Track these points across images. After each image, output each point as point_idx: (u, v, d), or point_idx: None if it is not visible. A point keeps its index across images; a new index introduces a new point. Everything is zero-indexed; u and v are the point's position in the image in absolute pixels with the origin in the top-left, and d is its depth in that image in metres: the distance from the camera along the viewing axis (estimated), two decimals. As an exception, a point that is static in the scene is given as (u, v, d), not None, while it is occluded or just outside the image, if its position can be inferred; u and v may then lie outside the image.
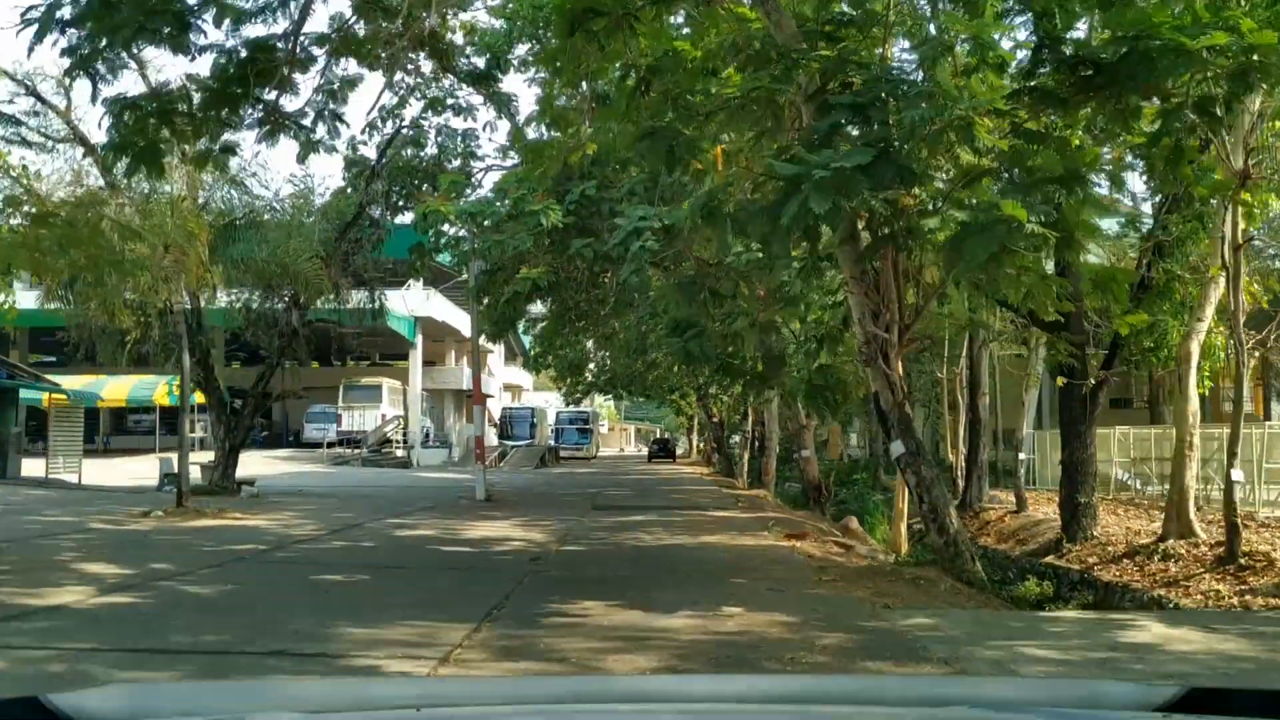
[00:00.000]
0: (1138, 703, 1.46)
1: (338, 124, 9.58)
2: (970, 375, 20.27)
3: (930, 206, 8.32)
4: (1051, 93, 8.47)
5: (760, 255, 10.38)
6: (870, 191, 7.14)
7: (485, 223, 17.15)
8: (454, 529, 12.76)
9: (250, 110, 8.82)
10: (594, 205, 16.62)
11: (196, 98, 8.23)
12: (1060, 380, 13.12)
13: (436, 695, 1.60)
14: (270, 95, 8.73)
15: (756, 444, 28.16)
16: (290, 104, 9.52)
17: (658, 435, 70.35)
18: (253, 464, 29.47)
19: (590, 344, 37.26)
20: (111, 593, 6.97)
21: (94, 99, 8.07)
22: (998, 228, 6.95)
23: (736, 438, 48.93)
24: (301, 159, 9.44)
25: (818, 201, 6.97)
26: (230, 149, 8.81)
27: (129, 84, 13.33)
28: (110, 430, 46.51)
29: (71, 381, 32.76)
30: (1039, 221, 7.28)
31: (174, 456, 23.69)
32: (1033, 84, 8.03)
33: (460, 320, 41.38)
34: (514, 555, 10.20)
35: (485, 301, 21.01)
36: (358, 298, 18.98)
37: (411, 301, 40.84)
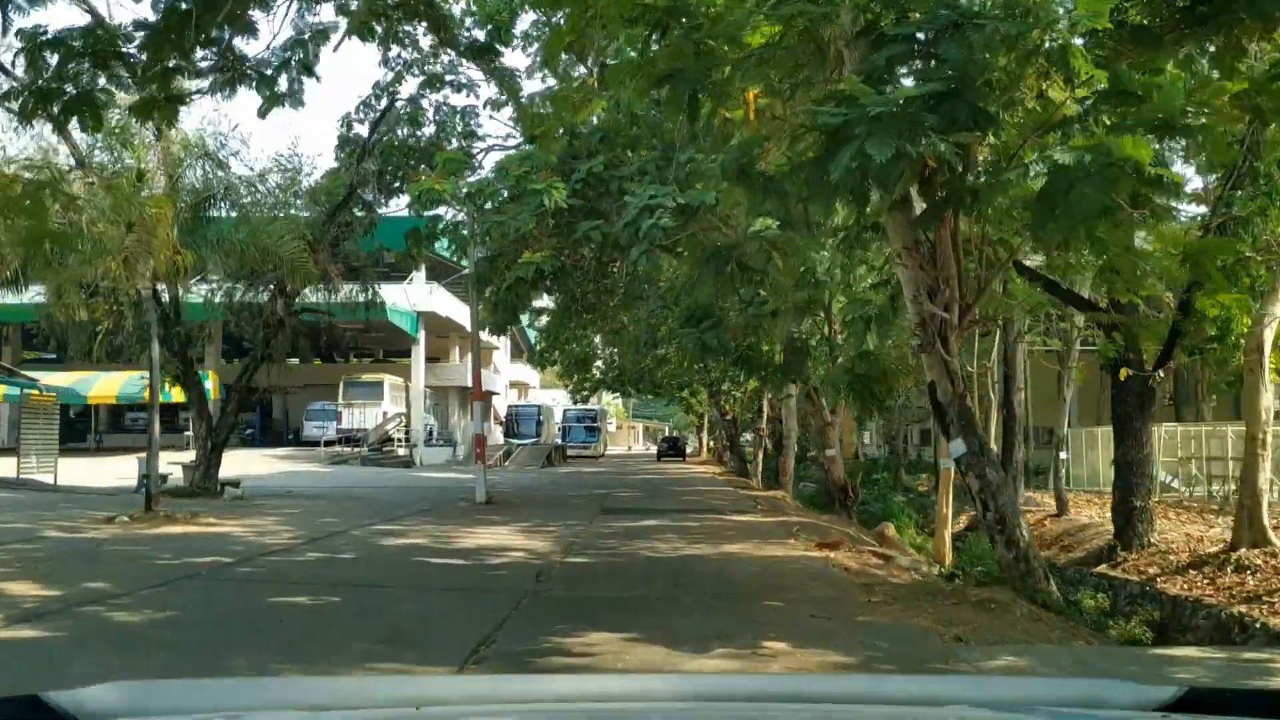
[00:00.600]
0: (1138, 702, 1.47)
1: (305, 76, 8.32)
2: (1004, 368, 18.93)
3: (1001, 162, 7.05)
4: (1145, 29, 7.19)
5: (783, 226, 9.13)
6: (940, 135, 5.86)
7: (486, 205, 15.91)
8: (448, 536, 11.51)
9: (204, 55, 7.57)
10: (602, 184, 15.35)
11: (139, 37, 6.99)
12: (1124, 372, 11.81)
13: (437, 694, 1.60)
14: (226, 37, 7.47)
15: (772, 442, 26.84)
16: (252, 50, 8.24)
17: (667, 433, 69.07)
18: (247, 462, 28.33)
19: (598, 339, 36.07)
20: (18, 623, 5.74)
21: (3, 30, 6.83)
22: (1112, 172, 5.67)
23: (747, 436, 47.64)
24: (263, 113, 8.24)
25: (878, 147, 5.70)
26: (179, 98, 7.59)
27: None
28: (107, 428, 45.48)
29: (61, 378, 31.73)
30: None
31: (162, 455, 22.54)
32: (1122, 19, 6.77)
33: (464, 315, 40.08)
34: (512, 569, 8.95)
35: (487, 292, 19.85)
36: (350, 288, 17.69)
37: (414, 296, 39.69)
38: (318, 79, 8.26)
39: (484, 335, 48.22)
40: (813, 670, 5.03)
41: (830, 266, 10.46)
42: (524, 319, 38.80)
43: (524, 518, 14.30)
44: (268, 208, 15.77)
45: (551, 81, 17.66)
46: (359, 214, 16.83)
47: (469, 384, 46.75)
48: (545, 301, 28.34)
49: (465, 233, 17.07)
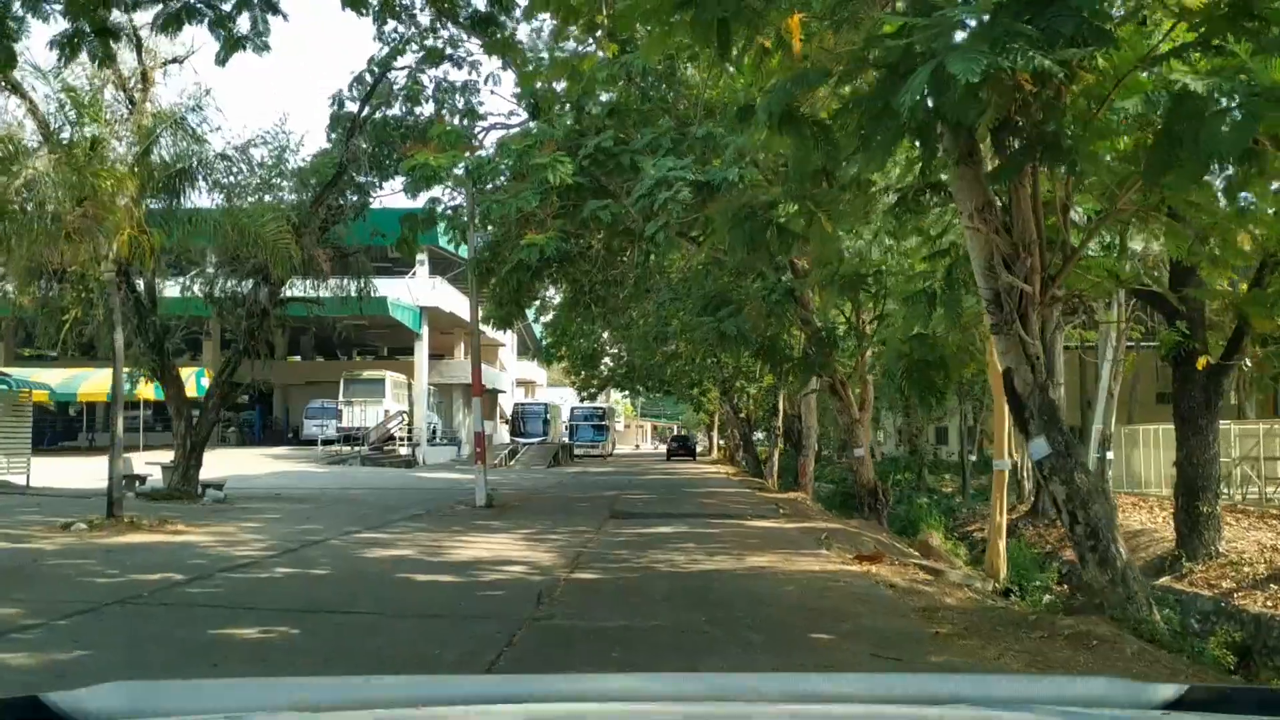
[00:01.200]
0: (1139, 701, 1.47)
1: (269, 14, 7.10)
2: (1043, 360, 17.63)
3: (1091, 106, 5.79)
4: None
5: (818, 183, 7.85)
6: (1041, 53, 4.61)
7: (487, 185, 14.70)
8: (440, 547, 10.30)
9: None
10: (612, 160, 14.11)
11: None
12: (1203, 361, 10.52)
13: (437, 694, 1.61)
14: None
15: (790, 441, 25.56)
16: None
17: (676, 432, 67.82)
18: (240, 462, 27.21)
19: (606, 335, 34.81)
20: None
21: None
22: (1258, 103, 4.42)
23: (759, 435, 46.34)
24: (222, 60, 7.09)
25: (964, 63, 4.45)
26: (111, 32, 6.39)
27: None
28: (104, 426, 44.48)
29: (53, 376, 30.67)
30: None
31: (145, 455, 21.44)
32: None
33: (468, 310, 39.02)
34: (510, 588, 7.73)
35: (491, 282, 18.69)
36: (342, 280, 16.46)
37: (417, 291, 38.55)
38: (284, 17, 7.08)
39: (489, 331, 47.09)
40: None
41: (878, 234, 9.21)
42: (530, 313, 37.72)
43: (527, 523, 13.09)
44: (251, 189, 14.56)
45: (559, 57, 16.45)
46: (351, 197, 15.61)
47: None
48: (552, 294, 27.10)
49: (464, 217, 15.89)
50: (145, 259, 10.96)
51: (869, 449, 15.25)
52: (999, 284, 6.32)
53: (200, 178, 12.81)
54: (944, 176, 6.79)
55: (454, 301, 39.25)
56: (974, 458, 25.52)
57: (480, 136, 17.20)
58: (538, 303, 23.38)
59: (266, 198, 14.44)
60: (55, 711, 1.26)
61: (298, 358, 49.14)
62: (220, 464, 26.66)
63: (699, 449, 55.74)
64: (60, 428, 41.39)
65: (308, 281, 16.30)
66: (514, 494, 19.01)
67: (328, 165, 15.43)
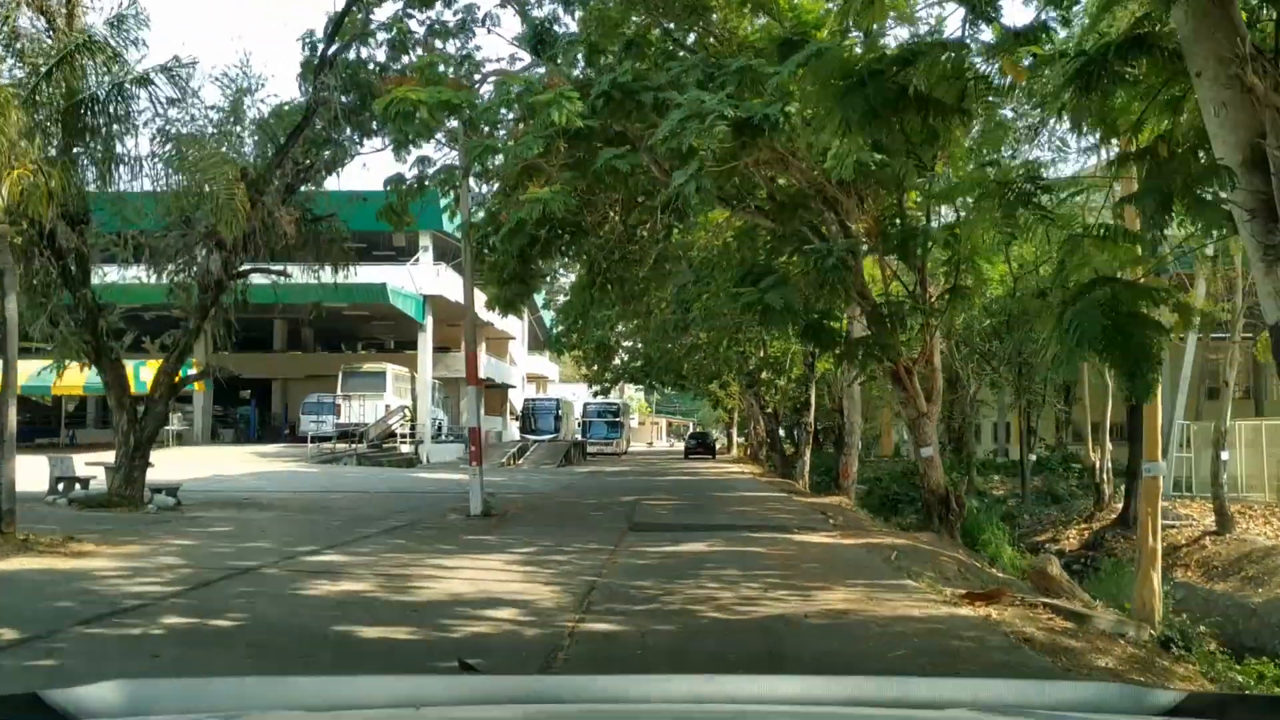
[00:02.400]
0: (1140, 707, 1.43)
1: None
2: None
3: None
4: None
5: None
6: None
7: (483, 129, 12.27)
8: (410, 576, 7.90)
9: None
10: (631, 99, 11.64)
11: None
12: None
13: (436, 694, 1.61)
14: None
15: (831, 438, 23.03)
16: None
17: (693, 429, 65.32)
18: (222, 461, 24.98)
19: (621, 327, 32.34)
20: None
21: None
22: None
23: (780, 432, 43.75)
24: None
25: None
26: None
27: None
28: (94, 422, 42.39)
29: (26, 367, 28.55)
30: None
31: (89, 456, 19.08)
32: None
33: (477, 299, 36.63)
34: (492, 650, 5.31)
35: (490, 254, 16.33)
36: (316, 250, 14.03)
37: (420, 278, 36.23)
38: None
39: (497, 322, 44.82)
40: None
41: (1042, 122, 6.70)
42: (539, 299, 35.29)
43: (528, 539, 10.68)
44: (206, 140, 12.16)
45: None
46: (323, 153, 13.21)
47: (482, 375, 43.35)
48: (563, 274, 24.72)
49: (458, 172, 13.49)
50: (41, 205, 8.57)
51: (936, 449, 12.79)
52: (1275, 180, 3.84)
53: (132, 119, 10.44)
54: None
55: (460, 290, 36.92)
56: (1033, 456, 22.88)
57: (477, 85, 14.79)
58: (547, 285, 20.85)
59: (223, 148, 12.04)
60: (54, 708, 1.26)
61: (298, 351, 47.07)
62: (200, 463, 24.47)
63: (717, 447, 53.12)
64: (37, 422, 39.48)
65: (276, 254, 13.90)
66: (518, 498, 16.60)
67: (295, 113, 13.03)
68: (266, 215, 12.30)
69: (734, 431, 53.97)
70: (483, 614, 6.32)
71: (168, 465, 22.76)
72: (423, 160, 14.64)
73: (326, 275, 14.49)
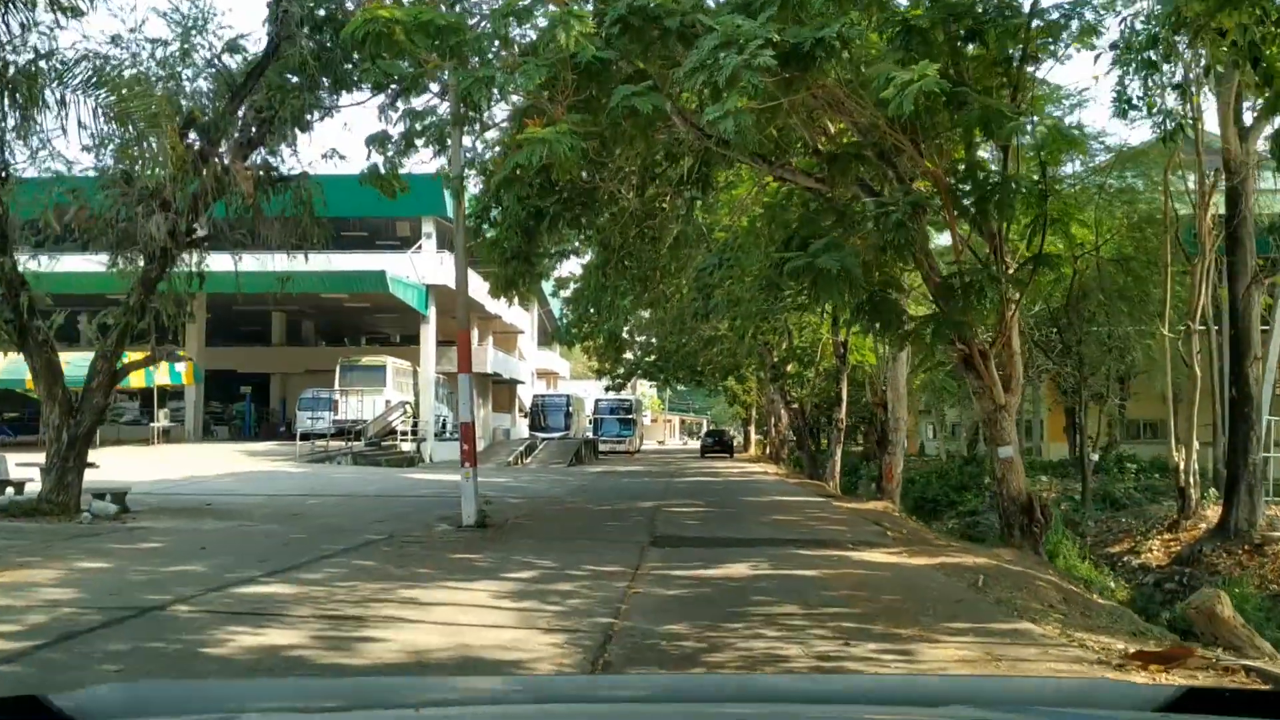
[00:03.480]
0: (1136, 702, 1.41)
1: None
2: (1233, 328, 12.98)
3: None
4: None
5: None
6: None
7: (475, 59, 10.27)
8: (366, 617, 5.90)
9: None
10: (653, 24, 9.59)
11: None
12: None
13: (437, 695, 1.62)
14: None
15: (873, 436, 20.92)
16: None
17: (707, 427, 63.28)
18: (203, 460, 23.12)
19: (632, 320, 30.23)
20: None
21: None
22: None
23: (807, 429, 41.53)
24: None
25: None
26: None
27: None
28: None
29: None
30: None
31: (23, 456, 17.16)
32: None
33: (483, 291, 34.57)
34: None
35: (489, 220, 14.44)
36: (283, 217, 11.99)
37: (422, 267, 34.30)
38: None
39: (505, 314, 42.85)
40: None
41: None
42: (547, 287, 33.27)
43: (528, 558, 8.67)
44: (151, 81, 10.16)
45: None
46: (291, 101, 11.20)
47: (490, 370, 41.38)
48: (572, 255, 22.68)
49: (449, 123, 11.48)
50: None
51: (1017, 450, 10.72)
52: None
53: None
54: None
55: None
56: (1095, 456, 20.69)
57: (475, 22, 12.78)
58: (554, 266, 18.81)
59: (164, 86, 10.06)
60: (54, 711, 1.27)
61: (298, 345, 45.20)
62: (179, 463, 22.60)
63: (734, 445, 50.95)
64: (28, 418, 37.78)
65: (237, 226, 11.92)
66: (521, 504, 14.62)
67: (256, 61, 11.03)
68: (221, 171, 10.32)
69: (752, 429, 51.83)
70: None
71: (142, 465, 20.89)
72: (411, 114, 12.73)
73: (285, 262, 12.33)
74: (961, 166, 10.52)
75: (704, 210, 19.47)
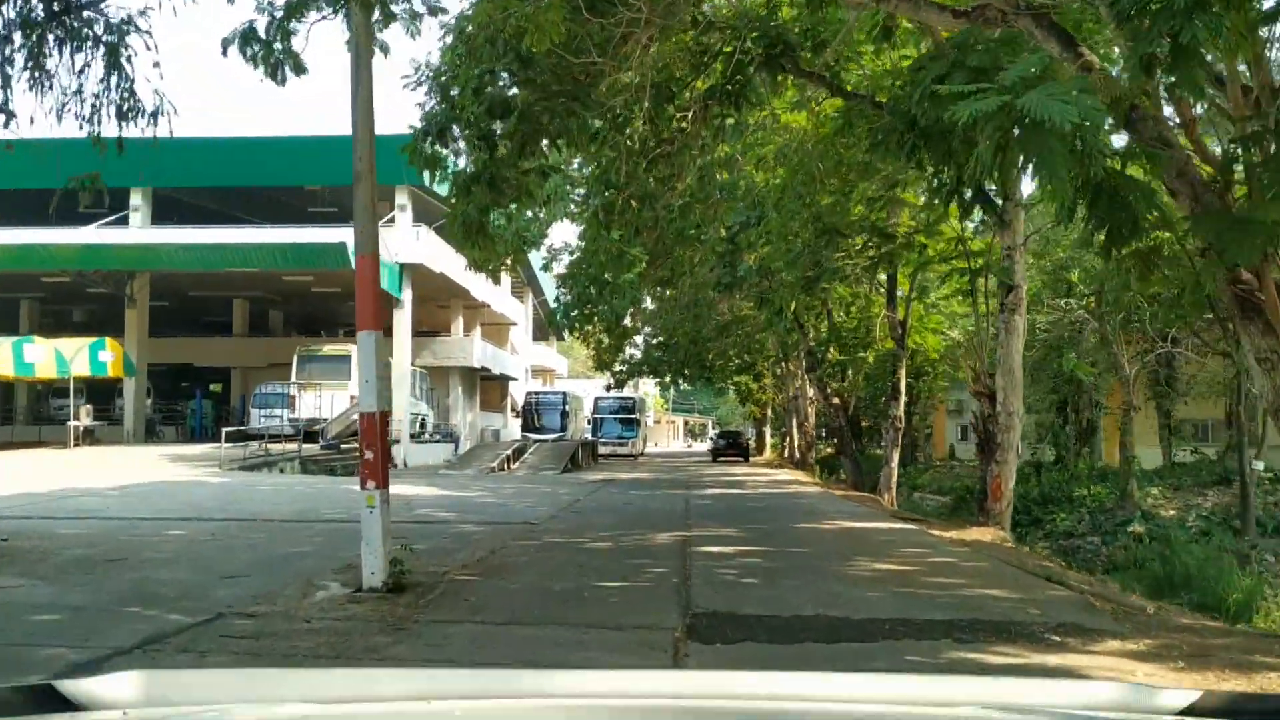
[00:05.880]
0: (1151, 707, 1.41)
1: None
2: None
3: None
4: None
5: None
6: None
7: None
8: None
9: None
10: None
11: None
12: None
13: (448, 689, 1.59)
14: None
15: (983, 437, 16.19)
16: None
17: (719, 428, 58.63)
18: (106, 468, 18.58)
19: (639, 297, 25.63)
20: None
21: None
22: None
23: (787, 428, 36.94)
24: None
25: None
26: None
27: None
28: (26, 416, 36.06)
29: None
30: None
31: None
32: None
33: (467, 274, 29.98)
34: None
35: (442, 139, 10.23)
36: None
37: (395, 242, 29.72)
38: None
39: (494, 303, 38.04)
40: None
41: None
42: (536, 259, 28.62)
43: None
44: None
45: None
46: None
47: (476, 364, 36.49)
48: (569, 236, 18.30)
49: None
50: None
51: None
52: None
53: None
54: None
55: (446, 260, 30.36)
56: (1259, 464, 15.93)
57: None
58: (538, 189, 14.10)
59: None
60: (68, 699, 1.28)
61: (262, 335, 40.52)
62: (78, 470, 18.19)
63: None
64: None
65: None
66: (480, 536, 9.98)
67: None
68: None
69: (767, 430, 47.17)
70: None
71: (22, 473, 16.57)
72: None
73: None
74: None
75: (733, 142, 14.92)
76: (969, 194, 10.28)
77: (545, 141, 10.39)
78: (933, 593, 6.71)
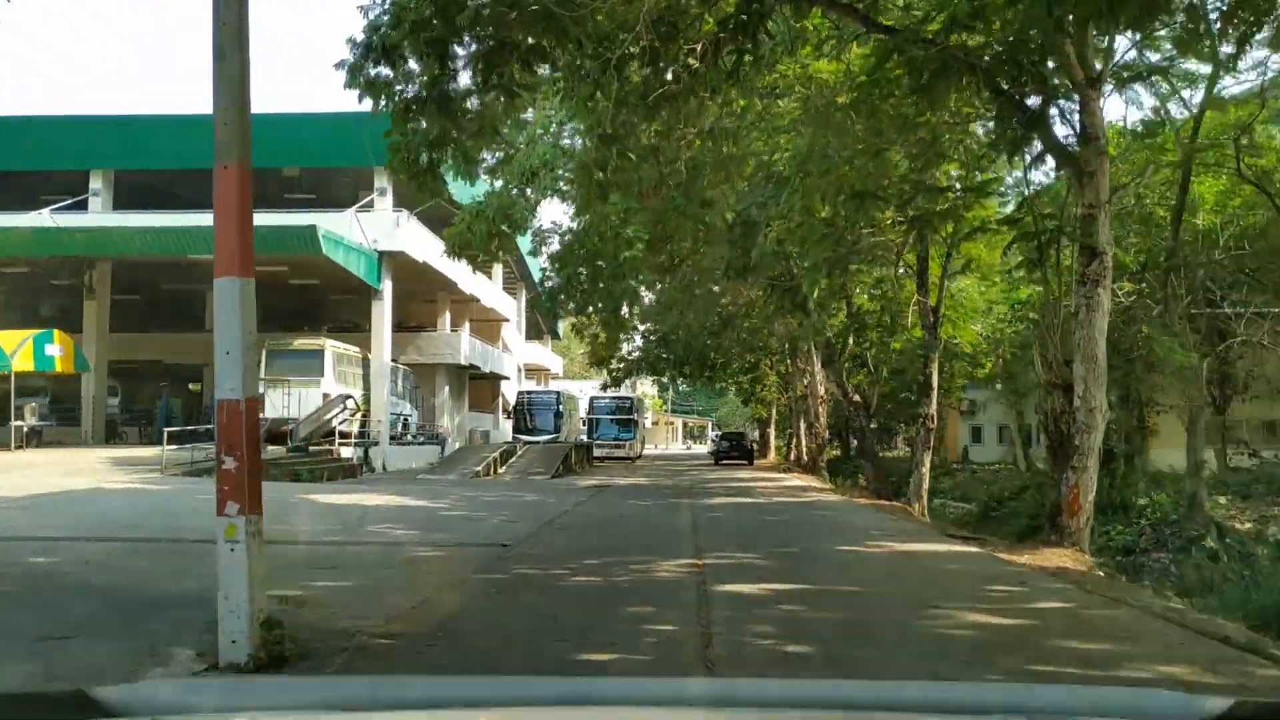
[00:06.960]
0: (1186, 713, 1.38)
1: None
2: None
3: None
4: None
5: None
6: None
7: None
8: None
9: None
10: None
11: None
12: None
13: (467, 695, 1.57)
14: None
15: (1051, 440, 13.99)
16: None
17: (720, 429, 56.36)
18: (39, 472, 16.35)
19: (638, 281, 23.39)
20: None
21: None
22: None
23: (782, 431, 34.73)
24: None
25: None
26: None
27: None
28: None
29: None
30: None
31: None
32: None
33: (454, 266, 27.76)
34: None
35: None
36: None
37: (373, 229, 27.54)
38: None
39: (484, 297, 35.62)
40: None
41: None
42: (524, 242, 26.34)
43: None
44: None
45: None
46: None
47: (464, 361, 33.97)
48: (560, 217, 16.19)
49: None
50: None
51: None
52: None
53: None
54: None
55: (431, 249, 28.08)
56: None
57: None
58: (504, 119, 11.81)
59: None
60: (101, 705, 1.27)
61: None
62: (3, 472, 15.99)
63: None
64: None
65: None
66: (427, 569, 7.74)
67: None
68: None
69: (772, 432, 44.93)
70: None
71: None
72: None
73: None
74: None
75: (751, 90, 12.71)
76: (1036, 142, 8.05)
77: (516, 63, 8.19)
78: (1080, 671, 4.45)
